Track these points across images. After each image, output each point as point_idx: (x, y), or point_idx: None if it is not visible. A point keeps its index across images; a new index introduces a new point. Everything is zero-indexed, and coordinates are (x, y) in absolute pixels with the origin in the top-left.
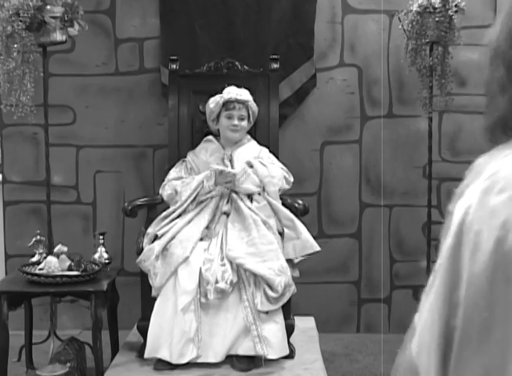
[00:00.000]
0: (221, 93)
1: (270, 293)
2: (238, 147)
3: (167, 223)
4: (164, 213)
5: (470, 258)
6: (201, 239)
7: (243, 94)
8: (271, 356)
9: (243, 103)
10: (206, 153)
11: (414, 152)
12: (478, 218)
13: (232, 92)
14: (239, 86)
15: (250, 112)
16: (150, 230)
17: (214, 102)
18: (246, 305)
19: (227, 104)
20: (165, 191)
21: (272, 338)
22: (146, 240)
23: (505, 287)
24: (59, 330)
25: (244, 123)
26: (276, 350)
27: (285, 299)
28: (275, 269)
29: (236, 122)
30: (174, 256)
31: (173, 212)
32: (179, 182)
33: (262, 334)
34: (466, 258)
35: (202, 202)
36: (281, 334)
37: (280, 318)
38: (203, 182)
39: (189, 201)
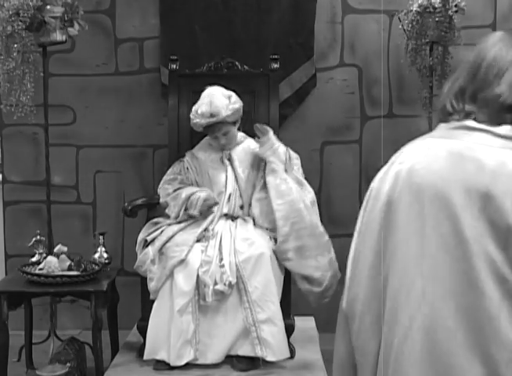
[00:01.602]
0: (198, 100)
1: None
2: (236, 146)
3: (158, 229)
4: (155, 220)
5: (371, 210)
6: (198, 240)
7: (215, 113)
8: (270, 359)
9: (221, 121)
10: (204, 153)
11: None
12: (379, 181)
13: (204, 116)
14: (223, 86)
15: (234, 119)
16: (141, 236)
17: (195, 125)
18: (246, 307)
19: (206, 128)
20: (160, 197)
21: (271, 340)
22: (137, 246)
23: (388, 231)
24: (59, 330)
25: (230, 134)
26: (276, 352)
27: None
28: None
29: (223, 142)
30: (171, 259)
31: (164, 221)
32: (172, 192)
33: (261, 336)
34: (369, 210)
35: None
36: (281, 335)
37: (280, 319)
38: (189, 198)
39: (179, 219)
